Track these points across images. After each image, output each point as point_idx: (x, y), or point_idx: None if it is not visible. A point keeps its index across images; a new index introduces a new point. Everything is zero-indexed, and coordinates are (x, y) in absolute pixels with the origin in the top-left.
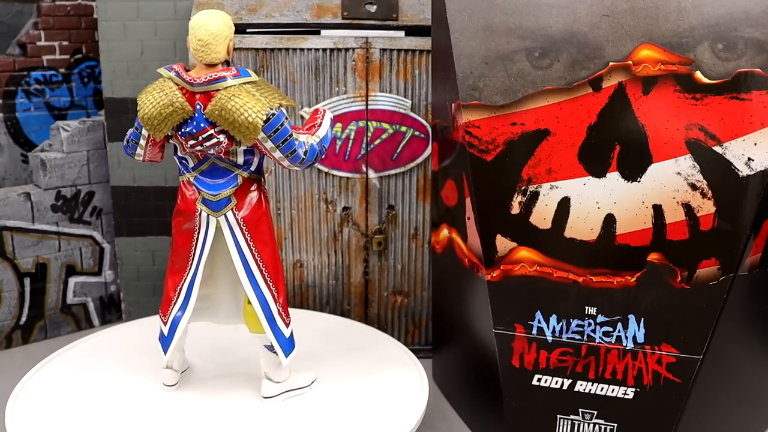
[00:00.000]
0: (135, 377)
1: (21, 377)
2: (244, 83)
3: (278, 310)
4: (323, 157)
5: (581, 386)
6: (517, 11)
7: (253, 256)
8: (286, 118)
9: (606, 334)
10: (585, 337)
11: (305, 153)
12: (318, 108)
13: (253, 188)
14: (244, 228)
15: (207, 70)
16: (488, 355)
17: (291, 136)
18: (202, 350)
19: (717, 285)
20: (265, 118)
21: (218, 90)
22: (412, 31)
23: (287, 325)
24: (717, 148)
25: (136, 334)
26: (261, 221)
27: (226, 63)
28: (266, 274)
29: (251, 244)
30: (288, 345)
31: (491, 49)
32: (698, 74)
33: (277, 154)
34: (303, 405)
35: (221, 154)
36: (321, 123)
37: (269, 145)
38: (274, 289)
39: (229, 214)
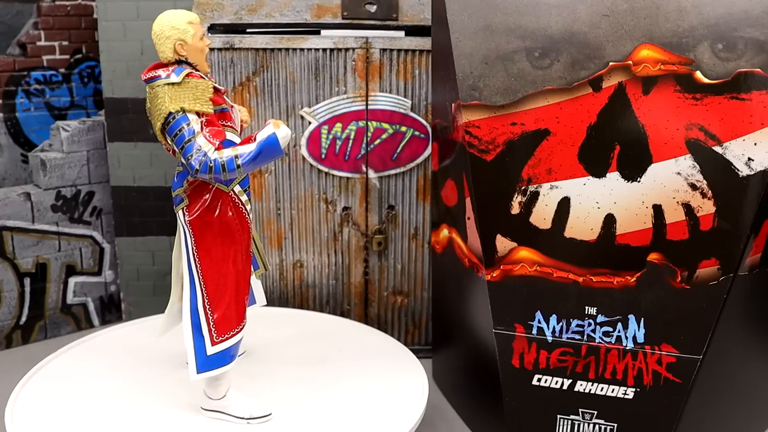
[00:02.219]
0: (135, 377)
1: (21, 377)
2: (166, 84)
3: (208, 324)
4: (233, 175)
5: (581, 386)
6: (517, 11)
7: (194, 261)
8: (188, 124)
9: (606, 334)
10: (585, 337)
11: (199, 165)
12: (270, 122)
13: (207, 192)
14: (189, 231)
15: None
16: (488, 355)
17: (188, 142)
18: None
19: (717, 285)
20: (162, 120)
21: (152, 88)
22: (412, 31)
23: (215, 343)
24: (717, 148)
25: (136, 334)
26: (207, 228)
27: (184, 62)
28: (202, 283)
29: (193, 248)
30: (205, 363)
31: (491, 49)
32: (698, 74)
33: (182, 159)
34: (303, 404)
35: (169, 151)
36: (255, 138)
37: (176, 148)
38: (208, 302)
39: (180, 213)
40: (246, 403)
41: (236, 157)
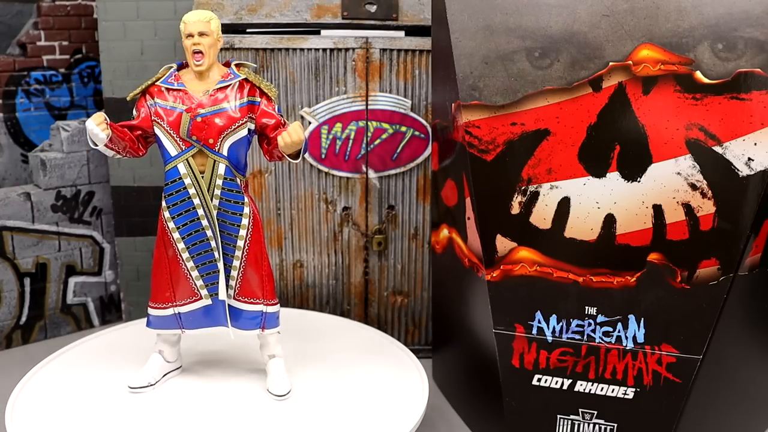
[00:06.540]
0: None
1: (21, 377)
2: None
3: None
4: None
5: (581, 386)
6: (517, 11)
7: None
8: (133, 109)
9: (606, 334)
10: (585, 337)
11: None
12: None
13: None
14: None
15: None
16: (488, 355)
17: None
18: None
19: (717, 285)
20: None
21: None
22: (412, 31)
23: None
24: (717, 148)
25: (136, 334)
26: None
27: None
28: None
29: None
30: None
31: (491, 49)
32: (698, 74)
33: None
34: (303, 405)
35: None
36: None
37: None
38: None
39: None
40: (144, 370)
41: None
